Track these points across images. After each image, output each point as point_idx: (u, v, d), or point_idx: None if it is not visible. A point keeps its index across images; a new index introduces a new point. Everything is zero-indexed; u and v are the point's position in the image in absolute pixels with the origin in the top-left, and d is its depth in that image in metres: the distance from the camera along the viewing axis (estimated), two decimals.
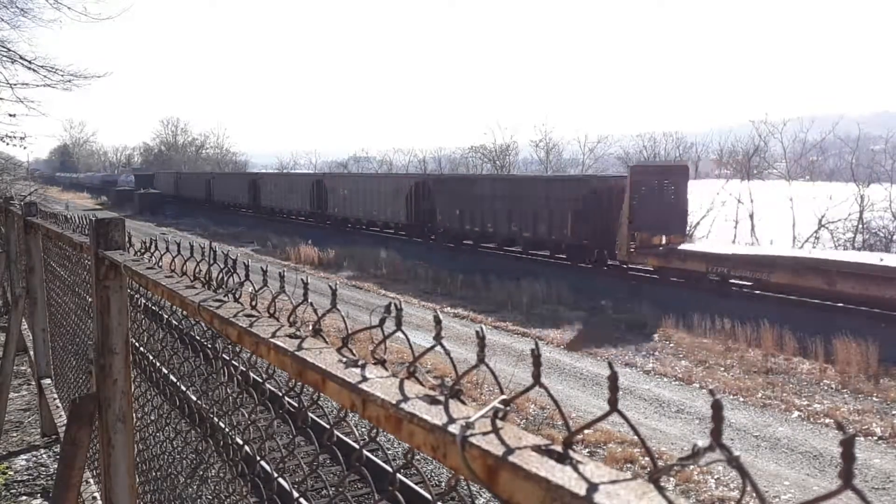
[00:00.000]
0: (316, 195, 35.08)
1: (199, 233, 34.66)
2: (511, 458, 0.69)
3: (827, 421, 8.93)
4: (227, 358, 1.90)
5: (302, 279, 1.37)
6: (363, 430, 6.74)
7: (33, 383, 7.39)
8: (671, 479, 6.89)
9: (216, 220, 41.35)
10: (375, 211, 30.11)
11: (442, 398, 0.86)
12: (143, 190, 54.01)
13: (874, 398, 9.73)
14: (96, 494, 3.69)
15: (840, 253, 18.74)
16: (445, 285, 18.41)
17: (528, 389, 0.81)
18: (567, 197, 20.22)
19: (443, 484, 6.32)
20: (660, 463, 0.64)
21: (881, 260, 14.35)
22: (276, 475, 1.51)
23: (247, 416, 1.74)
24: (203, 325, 1.78)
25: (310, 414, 1.53)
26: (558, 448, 0.70)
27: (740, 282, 16.03)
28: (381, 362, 1.06)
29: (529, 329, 14.07)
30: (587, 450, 7.81)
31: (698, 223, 34.43)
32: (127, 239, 2.77)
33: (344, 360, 1.09)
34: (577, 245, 20.05)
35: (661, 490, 0.60)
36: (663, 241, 18.16)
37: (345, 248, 25.10)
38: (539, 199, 21.14)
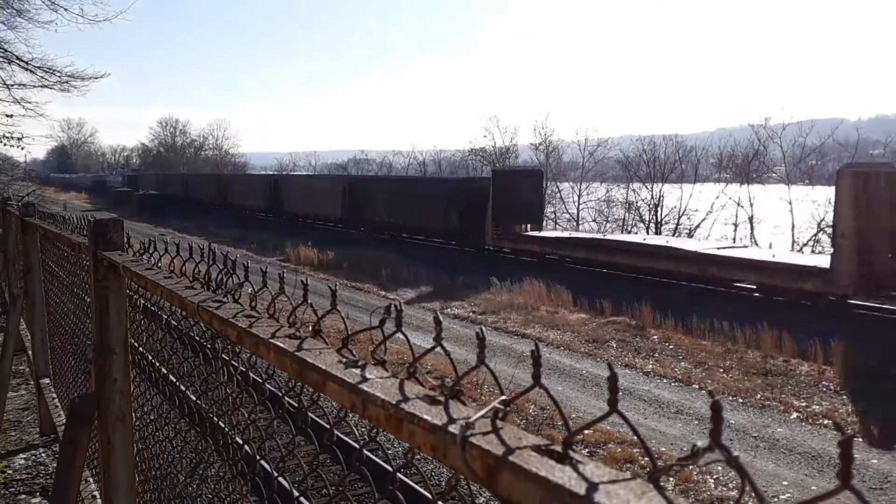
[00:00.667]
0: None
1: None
2: (511, 458, 0.69)
3: (826, 422, 8.94)
4: (227, 358, 1.90)
5: (302, 280, 1.37)
6: (363, 430, 6.74)
7: (32, 383, 7.38)
8: (671, 478, 6.89)
9: (224, 224, 37.46)
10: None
11: (442, 398, 0.87)
12: (141, 191, 53.89)
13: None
14: (95, 493, 3.69)
15: (621, 235, 26.14)
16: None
17: (528, 390, 0.82)
18: (455, 195, 25.33)
19: (443, 484, 6.32)
20: (659, 463, 0.64)
21: (644, 240, 20.88)
22: (276, 474, 1.51)
23: (246, 415, 1.75)
24: (202, 325, 1.78)
25: (310, 414, 1.53)
26: (558, 448, 0.71)
27: (556, 258, 21.67)
28: (381, 363, 1.06)
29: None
30: (587, 450, 7.81)
31: (698, 225, 34.44)
32: (126, 239, 2.77)
33: (344, 360, 1.09)
34: (462, 233, 24.98)
35: (660, 490, 0.61)
36: (525, 229, 23.44)
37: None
38: (436, 197, 26.20)
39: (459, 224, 24.86)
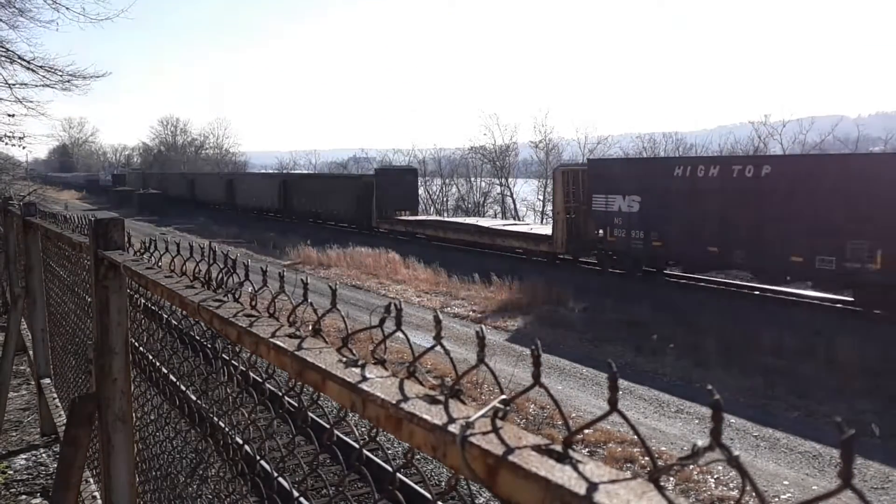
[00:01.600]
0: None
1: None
2: (511, 458, 0.69)
3: (826, 421, 8.93)
4: (227, 358, 1.90)
5: (302, 279, 1.37)
6: (363, 429, 6.73)
7: (32, 383, 7.39)
8: (671, 478, 6.89)
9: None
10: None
11: (442, 398, 0.87)
12: (142, 191, 54.77)
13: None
14: (96, 494, 3.69)
15: (454, 217, 34.65)
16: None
17: (528, 389, 0.81)
18: (353, 189, 32.99)
19: (443, 483, 6.32)
20: (659, 462, 0.64)
21: (463, 220, 29.62)
22: (276, 474, 1.51)
23: (247, 415, 1.74)
24: (203, 324, 1.78)
25: (310, 413, 1.53)
26: (558, 448, 0.70)
27: (421, 236, 28.60)
28: (381, 362, 1.06)
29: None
30: (587, 449, 7.81)
31: None
32: (126, 239, 2.77)
33: (344, 359, 1.09)
34: (359, 218, 32.14)
35: (660, 489, 0.61)
36: (403, 215, 30.66)
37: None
38: (340, 191, 33.93)
39: (356, 211, 32.40)
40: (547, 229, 23.43)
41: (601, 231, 19.74)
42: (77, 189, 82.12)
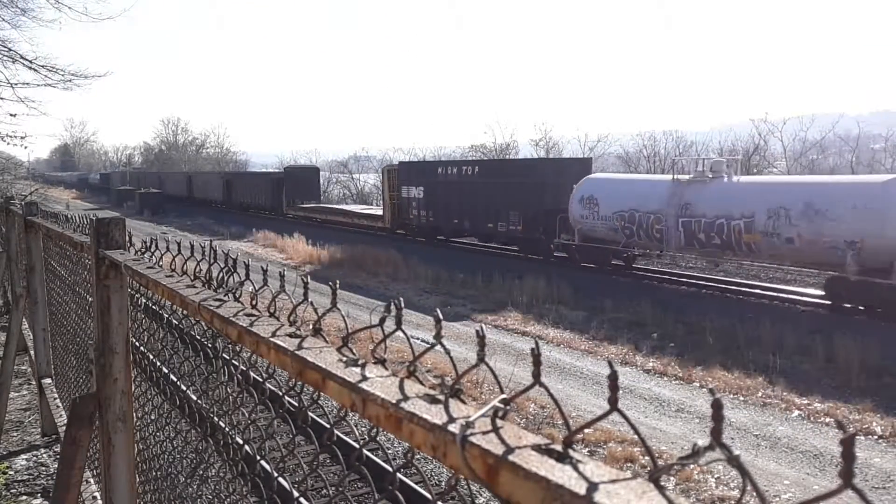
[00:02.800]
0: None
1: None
2: (511, 458, 0.69)
3: (827, 420, 8.93)
4: (228, 357, 1.90)
5: (302, 279, 1.37)
6: (363, 429, 6.73)
7: (34, 383, 7.39)
8: (671, 478, 6.89)
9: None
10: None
11: (442, 397, 0.86)
12: (142, 190, 55.77)
13: None
14: (96, 494, 3.69)
15: (336, 204, 42.64)
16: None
17: (528, 388, 0.81)
18: (266, 183, 41.47)
19: (443, 483, 6.32)
20: (660, 462, 0.64)
21: (339, 206, 39.95)
22: (276, 474, 1.51)
23: (247, 415, 1.74)
24: (203, 324, 1.78)
25: (310, 413, 1.53)
26: (558, 447, 0.70)
27: (315, 218, 36.29)
28: (381, 361, 1.06)
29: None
30: (587, 449, 7.81)
31: None
32: (127, 238, 2.77)
33: (344, 359, 1.09)
34: (272, 207, 40.78)
35: (661, 489, 0.60)
36: (309, 204, 38.19)
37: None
38: (262, 185, 42.03)
39: (271, 201, 40.66)
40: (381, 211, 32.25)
41: (408, 212, 28.18)
42: (67, 187, 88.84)
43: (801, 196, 14.86)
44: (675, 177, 19.09)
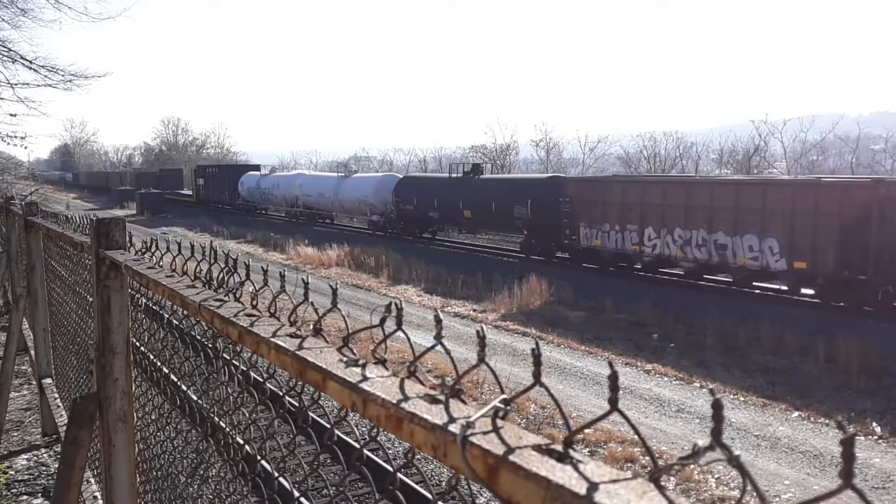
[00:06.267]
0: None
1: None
2: (511, 458, 0.69)
3: (827, 420, 8.92)
4: (228, 357, 1.90)
5: (303, 279, 1.37)
6: (364, 429, 6.73)
7: (34, 383, 7.39)
8: (672, 478, 6.89)
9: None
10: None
11: (442, 398, 0.86)
12: (143, 190, 56.52)
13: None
14: (97, 494, 3.69)
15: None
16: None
17: (528, 389, 0.81)
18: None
19: (443, 483, 6.32)
20: (660, 462, 0.64)
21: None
22: (276, 474, 1.51)
23: (247, 415, 1.74)
24: (204, 324, 1.78)
25: (310, 413, 1.53)
26: (559, 447, 0.70)
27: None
28: (382, 362, 1.06)
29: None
30: (588, 449, 7.81)
31: None
32: (127, 238, 2.77)
33: (344, 359, 1.09)
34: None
35: (661, 489, 0.61)
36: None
37: None
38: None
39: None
40: None
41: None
42: (52, 183, 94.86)
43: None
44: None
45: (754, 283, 16.98)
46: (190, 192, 52.96)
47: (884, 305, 13.75)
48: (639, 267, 19.41)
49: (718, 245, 16.12)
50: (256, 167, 46.76)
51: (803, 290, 15.43)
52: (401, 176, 31.02)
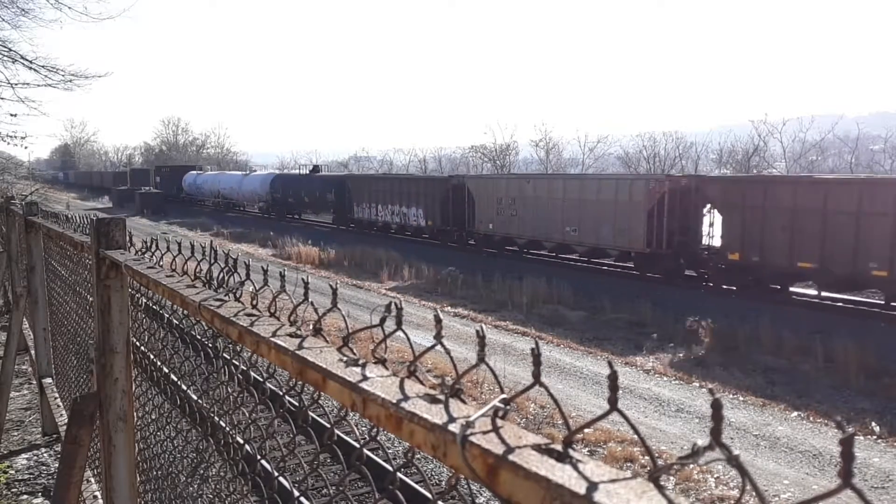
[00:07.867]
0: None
1: None
2: (511, 457, 0.69)
3: (826, 420, 8.93)
4: (228, 357, 1.90)
5: (303, 279, 1.37)
6: (363, 429, 6.74)
7: (34, 382, 7.39)
8: (671, 477, 6.89)
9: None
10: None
11: (442, 397, 0.87)
12: (144, 189, 57.56)
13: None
14: (97, 493, 3.69)
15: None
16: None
17: (528, 388, 0.82)
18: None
19: (443, 483, 6.32)
20: (660, 462, 0.64)
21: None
22: (276, 474, 1.51)
23: (247, 415, 1.75)
24: (204, 324, 1.78)
25: (310, 413, 1.53)
26: (558, 447, 0.71)
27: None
28: (382, 361, 1.06)
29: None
30: (587, 449, 7.81)
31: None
32: (127, 238, 2.77)
33: (344, 359, 1.09)
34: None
35: (660, 489, 0.61)
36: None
37: None
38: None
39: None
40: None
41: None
42: (48, 182, 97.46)
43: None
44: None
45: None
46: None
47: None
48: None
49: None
50: (200, 168, 58.72)
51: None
52: (276, 173, 45.42)
